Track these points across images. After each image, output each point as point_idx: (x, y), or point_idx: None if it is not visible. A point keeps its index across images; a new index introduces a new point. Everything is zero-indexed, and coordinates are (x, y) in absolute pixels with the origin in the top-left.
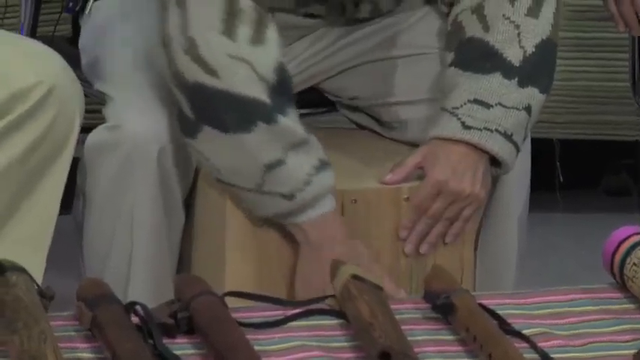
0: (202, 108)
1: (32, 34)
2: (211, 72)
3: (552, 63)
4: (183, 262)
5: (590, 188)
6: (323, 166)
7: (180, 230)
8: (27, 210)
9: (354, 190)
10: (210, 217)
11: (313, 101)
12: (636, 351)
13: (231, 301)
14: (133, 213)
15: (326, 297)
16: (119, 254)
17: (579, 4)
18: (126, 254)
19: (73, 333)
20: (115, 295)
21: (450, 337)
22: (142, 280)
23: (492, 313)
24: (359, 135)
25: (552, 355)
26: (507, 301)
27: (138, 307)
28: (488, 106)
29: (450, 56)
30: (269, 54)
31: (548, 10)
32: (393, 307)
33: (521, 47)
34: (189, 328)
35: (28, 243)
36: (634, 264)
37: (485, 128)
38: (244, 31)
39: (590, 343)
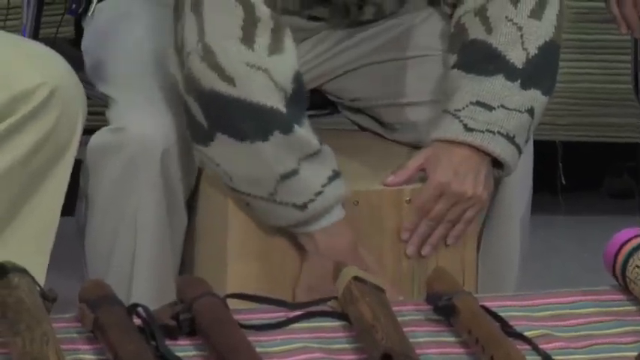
0: (217, 116)
1: (35, 36)
2: (228, 80)
3: (555, 65)
4: (185, 264)
5: (592, 190)
6: (335, 176)
7: (182, 232)
8: (29, 212)
9: (355, 192)
10: (212, 218)
11: (315, 103)
12: (638, 353)
13: (233, 303)
14: (136, 215)
15: (328, 299)
16: (122, 256)
17: (581, 6)
18: (129, 256)
19: (75, 335)
20: (118, 296)
21: (452, 339)
22: (145, 281)
23: (494, 315)
24: (361, 137)
25: (554, 357)
26: (509, 303)
27: (140, 309)
28: (490, 108)
29: (452, 58)
30: (287, 63)
31: (551, 12)
32: (394, 308)
33: (524, 49)
34: (191, 329)
35: (30, 245)
36: (636, 266)
37: (488, 130)
38: (262, 39)
39: (593, 345)
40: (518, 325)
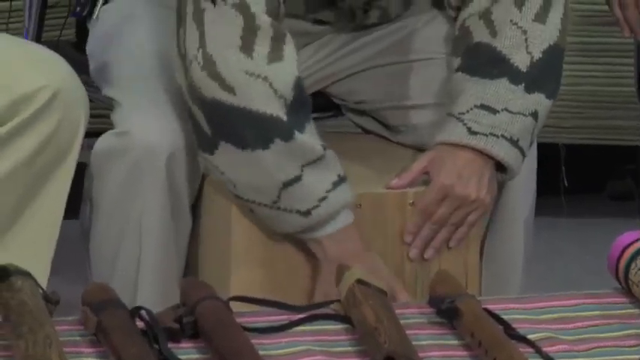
0: (220, 124)
1: (37, 39)
2: (229, 89)
3: (559, 69)
4: (189, 267)
5: (595, 193)
6: (340, 181)
7: (187, 235)
8: (32, 214)
9: (359, 195)
10: (216, 222)
11: (319, 105)
12: None
13: (236, 306)
14: (141, 218)
15: (331, 302)
16: (127, 259)
17: (585, 9)
18: (134, 259)
19: (78, 338)
20: (121, 299)
21: (455, 342)
22: (150, 284)
23: (497, 318)
24: (365, 139)
25: None
26: (512, 305)
27: (143, 312)
28: (494, 111)
29: (456, 61)
30: (286, 71)
31: (555, 16)
32: (397, 311)
33: (529, 53)
34: (194, 332)
35: (33, 247)
36: (639, 269)
37: (492, 134)
38: (262, 48)
39: (595, 348)
40: (521, 328)
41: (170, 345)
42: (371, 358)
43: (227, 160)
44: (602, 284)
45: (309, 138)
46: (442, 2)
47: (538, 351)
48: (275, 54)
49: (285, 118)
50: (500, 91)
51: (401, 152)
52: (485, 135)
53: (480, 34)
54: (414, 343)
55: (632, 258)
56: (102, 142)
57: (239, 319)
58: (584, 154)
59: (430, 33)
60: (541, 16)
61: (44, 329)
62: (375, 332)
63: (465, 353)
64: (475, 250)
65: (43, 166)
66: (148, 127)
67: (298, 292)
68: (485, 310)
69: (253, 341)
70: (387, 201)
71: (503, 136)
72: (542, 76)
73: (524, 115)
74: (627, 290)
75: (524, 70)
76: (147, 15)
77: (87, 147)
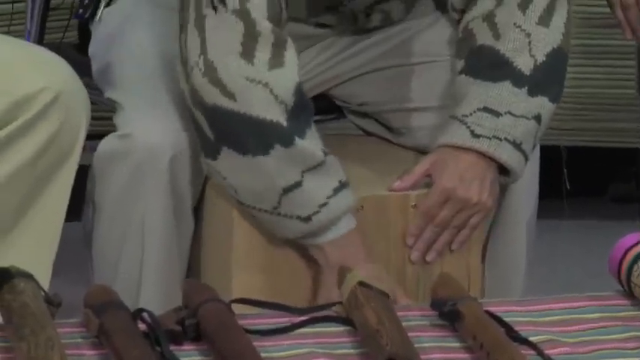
0: (221, 130)
1: (39, 41)
2: (229, 95)
3: (563, 73)
4: (192, 269)
5: (597, 196)
6: (342, 187)
7: (189, 237)
8: (34, 216)
9: (361, 197)
10: (217, 224)
11: (321, 108)
12: None
13: (238, 308)
14: (144, 221)
15: (333, 304)
16: (130, 261)
17: (586, 11)
18: (136, 261)
19: (80, 340)
20: (122, 301)
21: (457, 345)
22: (152, 286)
23: (499, 321)
24: (367, 141)
25: None
26: (514, 308)
27: (145, 314)
28: (497, 114)
29: (459, 64)
30: (287, 77)
31: (559, 20)
32: (399, 314)
33: (532, 56)
34: (196, 335)
35: (35, 249)
36: None
37: (495, 137)
38: (262, 54)
39: (597, 350)
40: (523, 331)
41: (172, 347)
42: None
43: (229, 165)
44: (604, 287)
45: (309, 144)
46: (445, 5)
47: (540, 354)
48: (276, 60)
49: (285, 123)
50: (504, 94)
51: (403, 155)
52: (489, 138)
53: (484, 36)
54: (415, 345)
55: (635, 260)
56: (104, 145)
57: (241, 322)
58: (586, 157)
59: (432, 36)
60: (545, 20)
61: (46, 331)
62: (376, 334)
63: (466, 356)
64: (477, 253)
65: (45, 168)
66: (150, 129)
67: (299, 295)
68: (487, 312)
69: (255, 343)
70: (389, 203)
71: (506, 139)
72: (545, 79)
73: (527, 118)
74: (629, 292)
75: (528, 74)
76: (149, 17)
77: (89, 149)
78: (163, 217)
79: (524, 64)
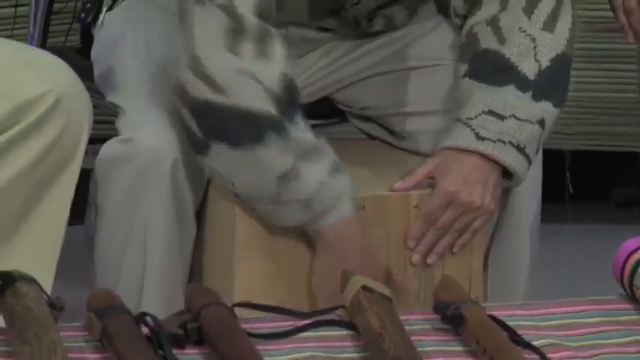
0: (211, 125)
1: (42, 44)
2: (218, 88)
3: (567, 78)
4: (194, 273)
5: (600, 200)
6: (337, 169)
7: (192, 241)
8: (36, 220)
9: (362, 197)
10: (220, 228)
11: (324, 112)
12: None
13: (240, 312)
14: (147, 224)
15: (336, 307)
16: (132, 265)
17: (589, 15)
18: (139, 265)
19: (82, 343)
20: (125, 305)
21: (460, 349)
22: (155, 290)
23: (502, 325)
24: (369, 145)
25: None
26: (517, 312)
27: (147, 318)
28: (502, 117)
29: (463, 67)
30: (274, 66)
31: (563, 25)
32: (402, 318)
33: (537, 61)
34: (198, 338)
35: (37, 253)
36: None
37: (499, 140)
38: (248, 47)
39: (600, 354)
40: (526, 335)
41: (175, 351)
42: None
43: (221, 160)
44: (607, 291)
45: (301, 130)
46: (447, 10)
47: (543, 357)
48: (262, 52)
49: (275, 111)
50: (508, 97)
51: (405, 158)
52: (493, 141)
53: (488, 40)
54: (418, 349)
55: (637, 264)
56: (107, 149)
57: (244, 325)
58: (589, 161)
59: (434, 40)
60: (549, 25)
61: (49, 335)
62: (379, 338)
63: None
64: (479, 256)
65: (48, 172)
66: (152, 133)
67: (302, 298)
68: (490, 316)
69: (258, 347)
70: (390, 203)
71: (510, 142)
72: (549, 84)
73: (531, 122)
74: (632, 296)
75: (532, 78)
76: (151, 21)
77: (92, 153)
78: (166, 220)
79: (529, 68)
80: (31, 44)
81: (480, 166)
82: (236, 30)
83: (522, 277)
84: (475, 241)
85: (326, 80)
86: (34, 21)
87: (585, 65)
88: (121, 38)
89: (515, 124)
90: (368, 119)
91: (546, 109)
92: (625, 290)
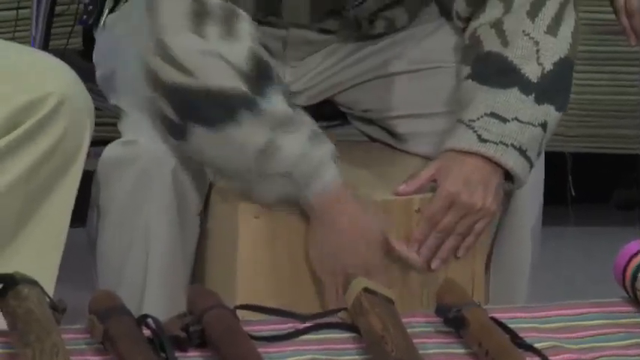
0: (184, 108)
1: (44, 47)
2: (186, 71)
3: (569, 82)
4: (196, 275)
5: (601, 202)
6: (316, 137)
7: (194, 243)
8: (38, 222)
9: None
10: (222, 230)
11: (325, 114)
12: None
13: (242, 314)
14: (149, 226)
15: (337, 310)
16: (135, 267)
17: (591, 18)
18: (141, 267)
19: (84, 346)
20: (127, 307)
21: (462, 351)
22: (157, 292)
23: (504, 327)
24: (371, 147)
25: None
26: (519, 314)
27: (149, 320)
28: (504, 120)
29: (466, 70)
30: (241, 45)
31: (567, 30)
32: (404, 320)
33: (540, 64)
34: (201, 341)
35: (39, 255)
36: None
37: (501, 142)
38: (213, 28)
39: (601, 356)
40: (527, 337)
41: (177, 354)
42: None
43: (201, 142)
44: (608, 293)
45: (274, 103)
46: (449, 12)
47: None
48: (227, 32)
49: (245, 88)
50: (511, 100)
51: (407, 161)
52: (496, 143)
53: (491, 43)
54: (420, 352)
55: (639, 267)
56: (109, 151)
57: (246, 328)
58: (591, 163)
59: (436, 42)
60: (553, 29)
61: (51, 338)
62: (381, 341)
63: None
64: (481, 259)
65: (50, 174)
66: (154, 135)
67: (305, 300)
68: (492, 319)
69: (260, 350)
70: (392, 207)
71: (512, 145)
72: (552, 87)
73: (533, 125)
74: (634, 299)
75: (535, 81)
76: None
77: (94, 155)
78: (168, 222)
79: (532, 71)
80: (33, 46)
81: (482, 168)
82: (200, 13)
83: (524, 279)
84: (477, 243)
85: (328, 82)
86: (36, 23)
87: (587, 68)
88: (124, 41)
89: (518, 126)
90: (370, 121)
91: (548, 112)
92: (627, 293)
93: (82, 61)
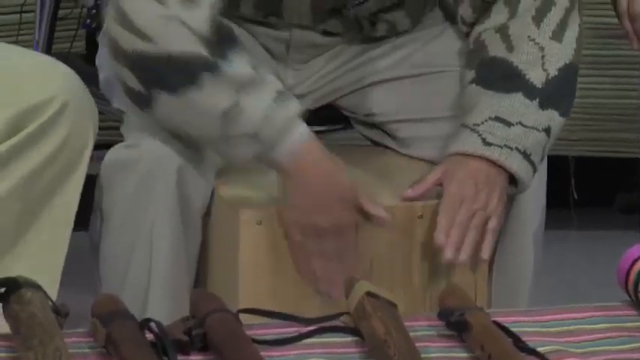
0: (147, 76)
1: (47, 51)
2: (146, 37)
3: (573, 87)
4: (199, 278)
5: (604, 206)
6: (282, 98)
7: (197, 246)
8: (41, 226)
9: None
10: (225, 233)
11: (329, 118)
12: None
13: (245, 318)
14: (152, 230)
15: (340, 314)
16: (138, 271)
17: (594, 22)
18: (145, 270)
19: (87, 350)
20: (130, 311)
21: (464, 355)
22: (160, 295)
23: (507, 331)
24: (374, 152)
25: None
26: (522, 318)
27: (152, 324)
28: (509, 124)
29: (470, 74)
30: (201, 11)
31: (571, 35)
32: (407, 324)
33: (544, 70)
34: (203, 344)
35: (42, 259)
36: None
37: (506, 146)
38: None
39: None
40: (530, 341)
41: (179, 357)
42: None
43: (166, 108)
44: (611, 297)
45: (235, 65)
46: (453, 17)
47: None
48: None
49: (204, 52)
50: (515, 104)
51: (410, 165)
52: (500, 147)
53: (496, 48)
54: (423, 355)
55: None
56: (112, 154)
57: (248, 332)
58: (594, 167)
59: (440, 47)
60: (558, 35)
61: (54, 342)
62: (384, 345)
63: None
64: (484, 263)
65: (53, 177)
66: (157, 139)
67: (307, 303)
68: (495, 322)
69: (263, 353)
70: (395, 213)
71: (516, 148)
72: (556, 93)
73: (537, 130)
74: (637, 303)
75: (540, 87)
76: None
77: (97, 159)
78: (171, 226)
79: (537, 77)
80: (37, 50)
81: (487, 171)
82: None
83: (526, 283)
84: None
85: (331, 86)
86: (40, 27)
87: (590, 72)
88: None
89: (522, 130)
90: (372, 126)
91: (552, 117)
92: (630, 297)
93: (85, 64)
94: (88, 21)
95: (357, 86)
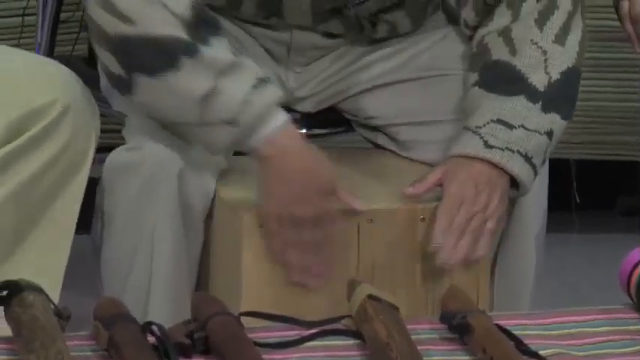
0: (128, 60)
1: (49, 54)
2: (127, 20)
3: (575, 91)
4: (201, 281)
5: (606, 209)
6: (261, 84)
7: (199, 249)
8: (43, 229)
9: (370, 210)
10: (227, 236)
11: (330, 121)
12: None
13: (247, 321)
14: (154, 232)
15: (342, 317)
16: (139, 273)
17: (596, 25)
18: (146, 273)
19: (89, 353)
20: (132, 314)
21: (466, 358)
22: (162, 298)
23: (509, 334)
24: (376, 155)
25: None
26: (524, 321)
27: (154, 327)
28: (511, 127)
29: (473, 77)
30: None
31: (574, 39)
32: (409, 327)
33: (547, 73)
34: (205, 348)
35: (44, 262)
36: None
37: (507, 148)
38: None
39: None
40: (532, 344)
41: None
42: None
43: (146, 92)
44: (613, 300)
45: (215, 49)
46: (456, 20)
47: None
48: None
49: (185, 36)
50: (517, 107)
51: (412, 168)
52: (502, 149)
53: (499, 51)
54: (425, 358)
55: None
56: (114, 157)
57: (250, 335)
58: (595, 170)
59: (442, 50)
60: (561, 39)
61: (56, 345)
62: (386, 348)
63: None
64: (486, 266)
65: (55, 180)
66: (159, 142)
67: (309, 307)
68: (497, 325)
69: (264, 357)
70: (397, 216)
71: (518, 151)
72: (558, 96)
73: (539, 133)
74: (639, 305)
75: (542, 90)
76: None
77: (98, 162)
78: (173, 228)
79: (539, 80)
80: (39, 53)
81: (488, 173)
82: None
83: (528, 286)
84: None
85: (333, 89)
86: (42, 30)
87: (592, 74)
88: None
89: (524, 133)
90: (374, 128)
91: (554, 120)
92: (632, 300)
93: (87, 68)
94: None
95: (359, 89)
